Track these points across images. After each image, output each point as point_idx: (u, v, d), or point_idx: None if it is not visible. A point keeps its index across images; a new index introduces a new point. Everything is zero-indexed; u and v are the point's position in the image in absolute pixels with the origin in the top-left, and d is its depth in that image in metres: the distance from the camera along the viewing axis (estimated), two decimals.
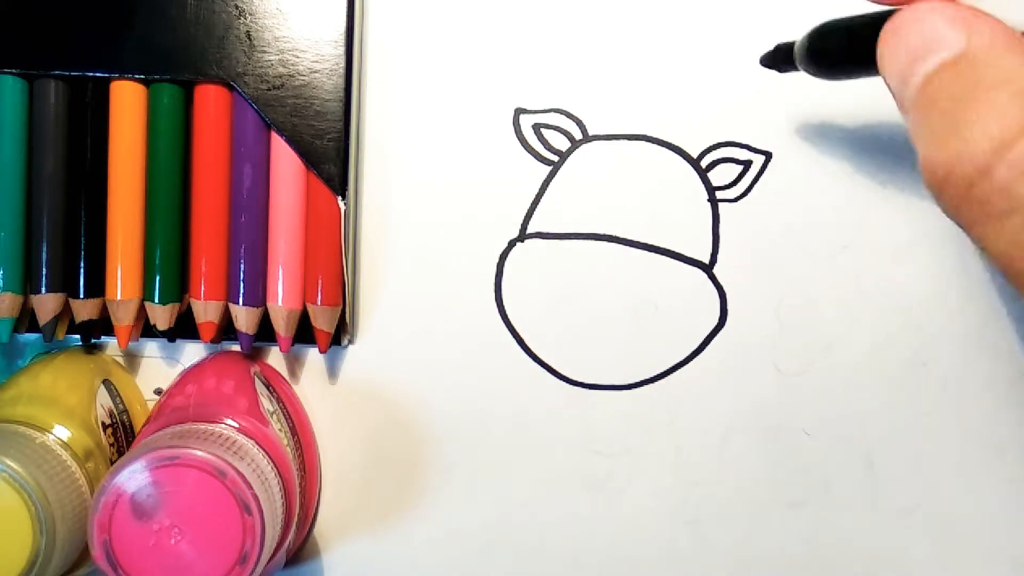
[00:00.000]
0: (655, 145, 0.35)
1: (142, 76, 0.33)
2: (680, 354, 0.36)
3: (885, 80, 0.25)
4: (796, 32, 0.36)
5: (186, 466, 0.27)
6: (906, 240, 0.36)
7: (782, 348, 0.36)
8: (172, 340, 0.34)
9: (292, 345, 0.34)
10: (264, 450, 0.29)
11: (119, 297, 0.33)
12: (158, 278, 0.33)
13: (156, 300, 0.33)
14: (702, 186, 0.35)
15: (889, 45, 0.24)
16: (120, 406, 0.34)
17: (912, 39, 0.23)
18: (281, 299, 0.33)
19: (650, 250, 0.36)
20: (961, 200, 0.22)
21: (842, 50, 0.27)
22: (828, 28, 0.28)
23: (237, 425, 0.30)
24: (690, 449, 0.36)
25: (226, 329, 0.34)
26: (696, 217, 0.35)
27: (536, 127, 0.35)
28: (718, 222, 0.35)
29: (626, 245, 0.35)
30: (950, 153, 0.22)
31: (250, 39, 0.32)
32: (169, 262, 0.33)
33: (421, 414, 0.36)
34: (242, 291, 0.33)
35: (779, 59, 0.31)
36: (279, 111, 0.33)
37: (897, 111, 0.36)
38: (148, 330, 0.34)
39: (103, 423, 0.32)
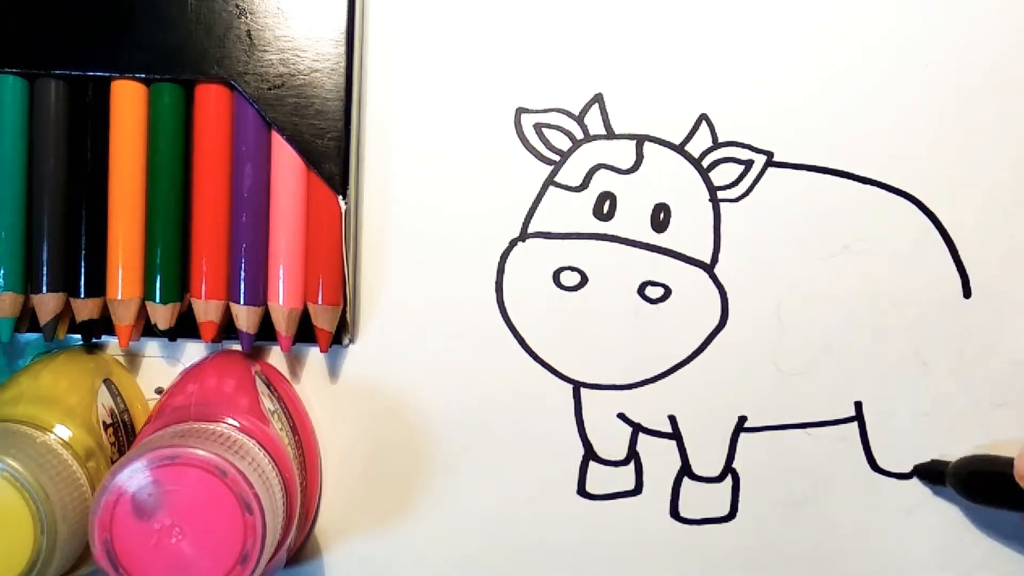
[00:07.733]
0: (656, 145, 0.35)
1: (142, 76, 0.33)
2: (680, 354, 0.36)
3: None
4: (793, 33, 0.36)
5: (187, 465, 0.27)
6: (906, 240, 0.36)
7: (782, 348, 0.36)
8: (173, 339, 0.34)
9: (293, 344, 0.34)
10: (265, 449, 0.29)
11: (120, 296, 0.33)
12: (159, 277, 0.33)
13: (157, 299, 0.33)
14: (703, 186, 0.35)
15: None
16: (121, 405, 0.34)
17: None
18: (282, 298, 0.33)
19: (650, 250, 0.36)
20: None
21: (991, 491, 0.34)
22: (971, 469, 0.34)
23: (238, 424, 0.30)
24: (690, 448, 0.36)
25: (227, 328, 0.34)
26: (697, 217, 0.35)
27: (537, 126, 0.35)
28: (719, 222, 0.35)
29: (626, 245, 0.35)
30: None
31: (251, 38, 0.32)
32: (170, 261, 0.33)
33: (421, 414, 0.36)
34: (243, 290, 0.33)
35: (931, 476, 0.36)
36: (280, 110, 0.33)
37: (894, 113, 0.36)
38: (149, 329, 0.34)
39: (104, 422, 0.32)
